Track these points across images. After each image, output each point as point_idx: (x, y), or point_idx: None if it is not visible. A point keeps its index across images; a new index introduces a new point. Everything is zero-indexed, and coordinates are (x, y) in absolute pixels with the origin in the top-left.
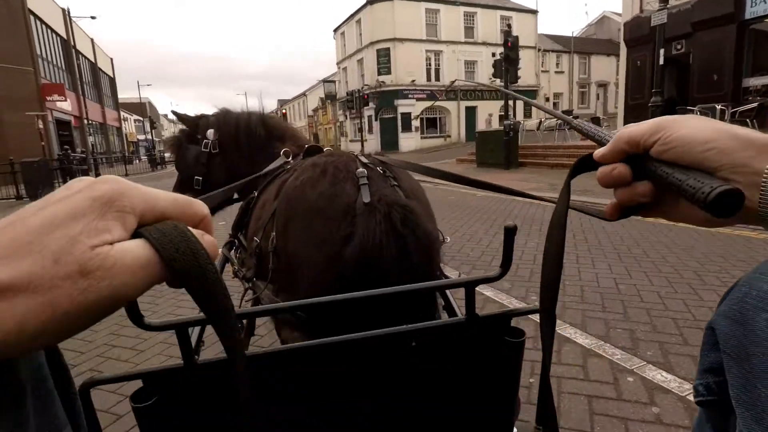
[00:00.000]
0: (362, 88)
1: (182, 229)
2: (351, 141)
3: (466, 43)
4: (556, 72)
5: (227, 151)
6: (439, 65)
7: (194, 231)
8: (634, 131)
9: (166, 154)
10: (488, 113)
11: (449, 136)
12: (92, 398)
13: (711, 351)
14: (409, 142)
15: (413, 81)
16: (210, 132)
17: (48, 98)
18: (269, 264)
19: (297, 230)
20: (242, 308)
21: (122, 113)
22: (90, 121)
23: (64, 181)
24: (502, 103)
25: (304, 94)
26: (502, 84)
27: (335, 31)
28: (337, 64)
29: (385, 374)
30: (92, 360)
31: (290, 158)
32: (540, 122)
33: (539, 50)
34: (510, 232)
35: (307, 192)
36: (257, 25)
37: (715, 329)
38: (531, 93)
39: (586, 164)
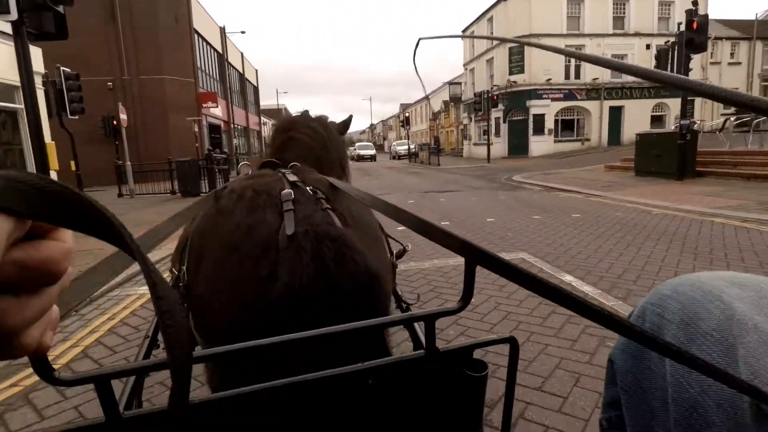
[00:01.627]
0: (491, 88)
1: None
2: (475, 144)
3: (614, 35)
4: (729, 63)
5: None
6: (579, 62)
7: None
8: None
9: None
10: (674, 116)
11: (588, 140)
12: None
13: (611, 385)
14: (540, 145)
15: (549, 80)
16: None
17: (203, 105)
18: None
19: (207, 270)
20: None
21: (262, 118)
22: (235, 125)
23: (209, 179)
24: (655, 102)
25: (427, 98)
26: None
27: (464, 31)
28: (464, 65)
29: (342, 414)
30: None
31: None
32: (726, 121)
33: (710, 38)
34: (471, 262)
35: (219, 224)
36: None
37: (614, 363)
38: None
39: None
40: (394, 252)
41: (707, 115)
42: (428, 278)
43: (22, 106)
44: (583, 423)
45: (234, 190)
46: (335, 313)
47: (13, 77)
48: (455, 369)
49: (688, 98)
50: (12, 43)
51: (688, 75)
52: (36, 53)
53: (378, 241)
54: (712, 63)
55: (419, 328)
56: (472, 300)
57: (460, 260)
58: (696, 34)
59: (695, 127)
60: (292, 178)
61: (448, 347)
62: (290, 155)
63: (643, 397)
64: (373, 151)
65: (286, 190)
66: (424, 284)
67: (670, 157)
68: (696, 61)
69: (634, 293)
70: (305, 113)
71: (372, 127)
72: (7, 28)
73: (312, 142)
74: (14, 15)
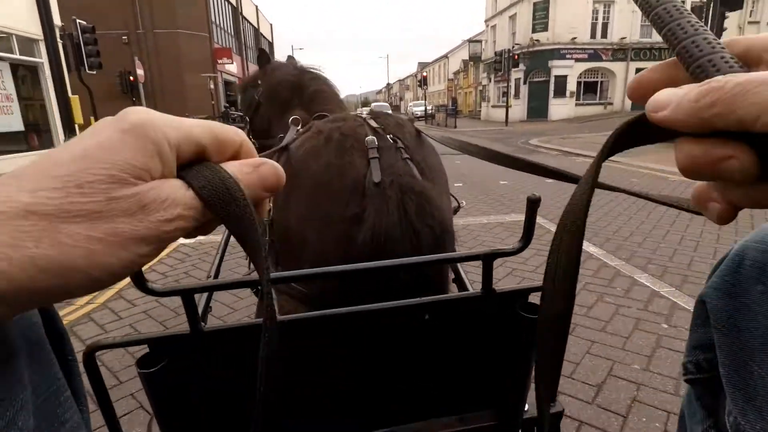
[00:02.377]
0: (513, 47)
1: (223, 176)
2: (493, 107)
3: None
4: None
5: (264, 105)
6: (608, 19)
7: (235, 165)
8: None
9: None
10: None
11: (610, 104)
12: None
13: (701, 326)
14: (560, 109)
15: (574, 39)
16: (260, 82)
17: (219, 61)
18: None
19: (300, 206)
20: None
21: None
22: None
23: None
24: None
25: (446, 56)
26: None
27: None
28: (486, 21)
29: (399, 347)
30: (94, 328)
31: (299, 126)
32: None
33: None
34: (533, 204)
35: (311, 162)
36: None
37: (706, 303)
38: None
39: (638, 132)
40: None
41: None
42: (474, 234)
43: (42, 60)
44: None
45: (321, 131)
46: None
47: (31, 30)
48: (510, 310)
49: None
50: None
51: (721, 35)
52: (52, 4)
53: (446, 190)
54: (750, 22)
55: (462, 271)
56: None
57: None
58: None
59: None
60: (374, 124)
61: (504, 289)
62: (326, 106)
63: (739, 335)
64: (389, 112)
65: (369, 137)
66: (470, 240)
67: None
68: (732, 19)
69: (638, 254)
70: (293, 61)
71: (388, 86)
72: None
73: (338, 97)
74: None
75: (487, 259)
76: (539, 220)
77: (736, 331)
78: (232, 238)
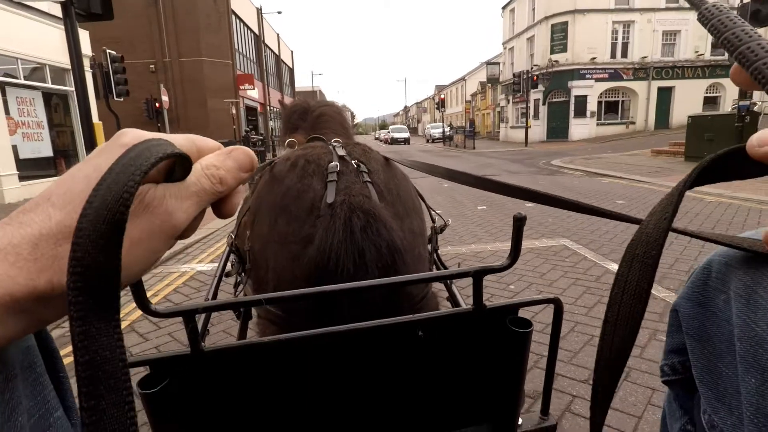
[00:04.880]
0: (531, 68)
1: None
2: (512, 127)
3: (667, 9)
4: None
5: (281, 130)
6: (628, 38)
7: (211, 156)
8: None
9: None
10: (731, 98)
11: (633, 123)
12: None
13: (675, 332)
14: (581, 129)
15: (593, 59)
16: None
17: (241, 87)
18: (246, 262)
19: (263, 228)
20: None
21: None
22: (271, 108)
23: None
24: (709, 82)
25: (463, 79)
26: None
27: (503, 8)
28: (503, 44)
29: (391, 364)
30: None
31: (295, 149)
32: None
33: None
34: (518, 222)
35: (275, 187)
36: (422, 16)
37: (678, 311)
38: None
39: (731, 165)
40: (436, 222)
41: None
42: (467, 263)
43: (72, 89)
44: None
45: (289, 158)
46: (358, 276)
47: (63, 60)
48: (501, 325)
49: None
50: (61, 26)
51: None
52: (83, 36)
53: (413, 211)
54: None
55: (456, 289)
56: (511, 287)
57: (496, 246)
58: (763, 5)
59: (755, 108)
60: (341, 151)
61: (494, 304)
62: (327, 129)
63: (708, 340)
64: (406, 134)
65: (333, 162)
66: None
67: (725, 141)
68: (763, 35)
69: (669, 276)
70: (312, 99)
71: (406, 109)
72: (57, 11)
73: (340, 118)
74: None
75: (477, 276)
76: (566, 242)
77: (706, 337)
78: (228, 265)
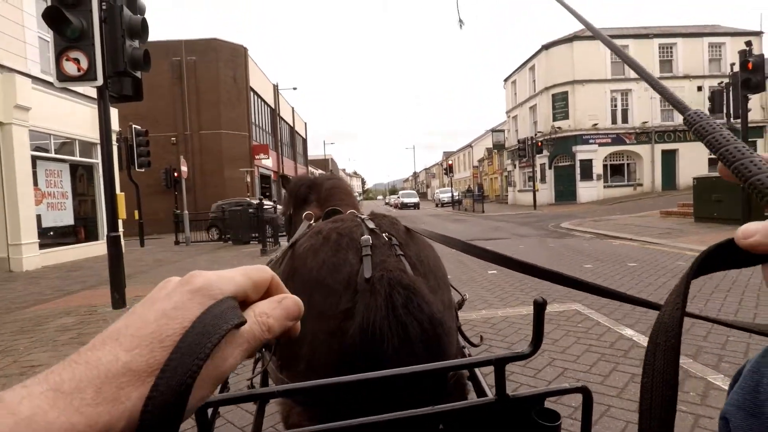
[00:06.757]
0: (535, 135)
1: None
2: (520, 191)
3: (662, 78)
4: None
5: (289, 202)
6: (627, 105)
7: (264, 303)
8: None
9: None
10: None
11: (640, 185)
12: None
13: None
14: (588, 191)
15: (595, 125)
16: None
17: (256, 157)
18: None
19: None
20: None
21: (310, 168)
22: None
23: (258, 228)
24: None
25: (470, 145)
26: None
27: (506, 80)
28: (507, 113)
29: None
30: None
31: (312, 221)
32: None
33: None
34: (539, 307)
35: (309, 261)
36: (429, 86)
37: (729, 421)
38: (757, 130)
39: (725, 255)
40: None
41: None
42: (495, 327)
43: (97, 161)
44: None
45: (321, 231)
46: (403, 351)
47: (91, 135)
48: (527, 417)
49: (749, 138)
50: (92, 105)
51: (747, 116)
52: (113, 114)
53: (443, 284)
54: None
55: (479, 373)
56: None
57: (506, 312)
58: (752, 74)
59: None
60: (371, 225)
61: (518, 394)
62: (340, 202)
63: None
64: (416, 199)
65: (365, 236)
66: (489, 331)
67: (733, 201)
68: (755, 100)
69: (705, 350)
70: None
71: (415, 174)
72: (91, 92)
73: (350, 191)
74: (100, 81)
75: (499, 364)
76: (578, 307)
77: None
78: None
